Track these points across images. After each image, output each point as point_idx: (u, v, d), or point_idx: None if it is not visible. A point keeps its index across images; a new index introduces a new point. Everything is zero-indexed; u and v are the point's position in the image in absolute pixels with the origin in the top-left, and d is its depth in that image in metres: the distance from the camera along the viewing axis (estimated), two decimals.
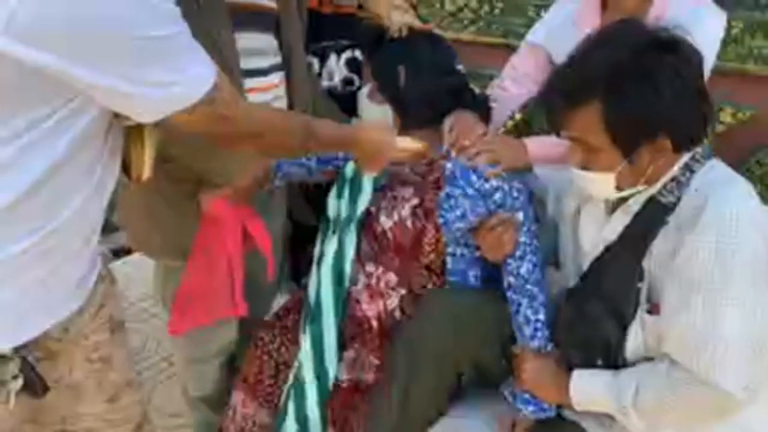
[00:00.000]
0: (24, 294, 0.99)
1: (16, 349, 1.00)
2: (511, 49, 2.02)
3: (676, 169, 1.24)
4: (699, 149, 1.26)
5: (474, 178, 1.51)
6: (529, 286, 1.47)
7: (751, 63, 2.09)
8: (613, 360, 1.31)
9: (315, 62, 1.92)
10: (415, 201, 1.55)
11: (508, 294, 1.49)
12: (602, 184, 1.26)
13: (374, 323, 1.56)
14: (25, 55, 0.84)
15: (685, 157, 1.25)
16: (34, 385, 1.02)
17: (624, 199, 1.31)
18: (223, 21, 1.46)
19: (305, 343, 1.56)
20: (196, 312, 1.60)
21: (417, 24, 1.63)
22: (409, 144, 1.47)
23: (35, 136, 0.91)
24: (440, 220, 1.50)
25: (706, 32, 1.68)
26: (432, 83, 1.54)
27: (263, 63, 1.59)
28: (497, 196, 1.49)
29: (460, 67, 1.64)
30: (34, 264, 0.98)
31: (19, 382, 1.00)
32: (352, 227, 1.59)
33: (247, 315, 1.65)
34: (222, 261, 1.57)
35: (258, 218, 1.61)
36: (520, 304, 1.47)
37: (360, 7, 1.69)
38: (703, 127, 1.23)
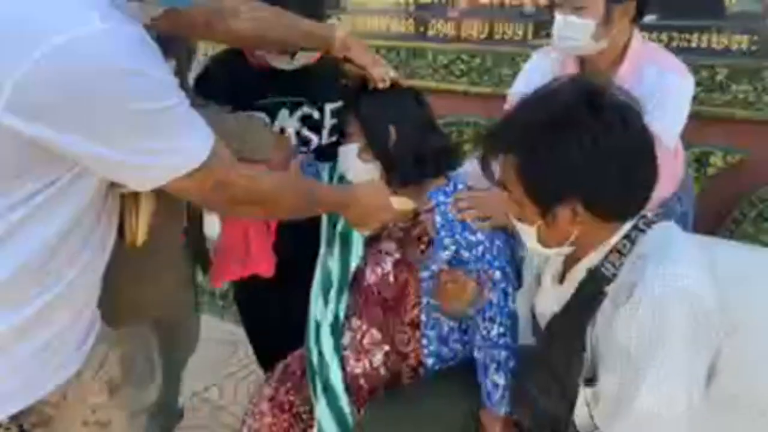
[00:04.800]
0: (22, 362, 0.99)
1: (12, 417, 0.99)
2: (503, 99, 2.05)
3: (616, 239, 1.18)
4: (643, 218, 1.19)
5: (459, 228, 1.49)
6: (497, 350, 1.42)
7: (738, 108, 2.13)
8: None
9: (264, 117, 1.78)
10: (398, 255, 1.55)
11: (476, 354, 1.46)
12: (527, 236, 1.22)
13: (362, 381, 1.57)
14: (24, 129, 0.86)
15: (627, 226, 1.18)
16: None
17: (571, 268, 1.25)
18: None
19: (321, 405, 1.57)
20: (230, 265, 1.72)
21: (395, 75, 1.60)
22: (403, 205, 1.48)
23: (33, 207, 0.93)
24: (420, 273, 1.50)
25: (676, 96, 1.71)
26: (421, 143, 1.53)
27: None
28: (479, 249, 1.47)
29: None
30: (33, 332, 0.99)
31: None
32: (345, 292, 1.60)
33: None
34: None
35: None
36: (487, 368, 1.43)
37: (345, 59, 1.66)
38: (627, 198, 1.16)
